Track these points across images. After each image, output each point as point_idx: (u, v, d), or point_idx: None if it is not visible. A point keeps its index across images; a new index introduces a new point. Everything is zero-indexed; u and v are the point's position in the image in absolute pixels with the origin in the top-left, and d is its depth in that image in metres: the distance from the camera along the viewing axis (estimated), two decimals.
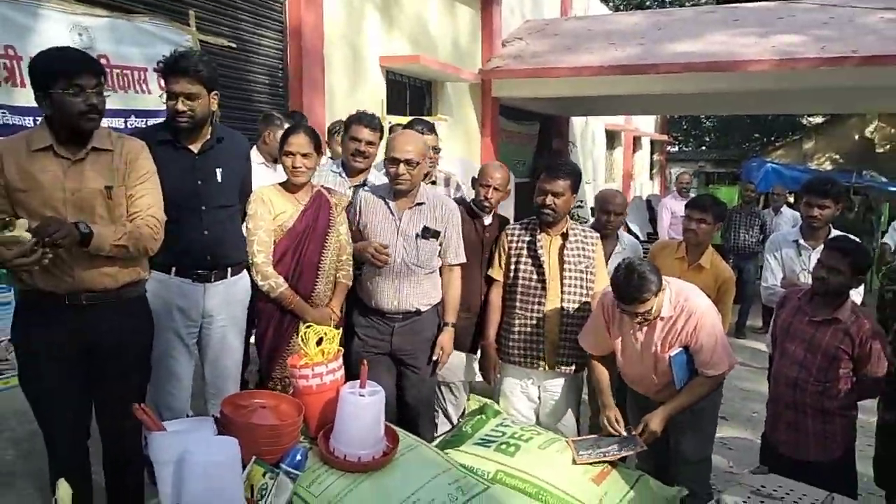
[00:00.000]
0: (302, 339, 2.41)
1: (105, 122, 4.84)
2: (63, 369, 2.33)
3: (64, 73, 2.19)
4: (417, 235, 3.05)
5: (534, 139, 12.41)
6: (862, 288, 3.28)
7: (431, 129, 3.94)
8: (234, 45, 6.20)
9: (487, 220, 3.47)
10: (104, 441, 2.53)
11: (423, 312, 3.13)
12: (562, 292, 3.18)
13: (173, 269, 2.72)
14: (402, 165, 2.94)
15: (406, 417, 3.20)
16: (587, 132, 14.76)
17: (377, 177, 3.45)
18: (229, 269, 2.85)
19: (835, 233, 3.57)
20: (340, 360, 2.43)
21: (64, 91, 2.18)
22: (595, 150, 15.41)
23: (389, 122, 4.68)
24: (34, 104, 2.32)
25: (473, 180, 3.55)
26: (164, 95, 2.68)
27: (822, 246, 3.17)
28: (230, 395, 2.42)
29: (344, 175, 3.42)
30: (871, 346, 2.74)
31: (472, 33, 9.94)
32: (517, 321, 3.23)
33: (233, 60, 6.21)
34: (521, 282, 3.22)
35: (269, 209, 2.95)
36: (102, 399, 2.45)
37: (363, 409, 2.21)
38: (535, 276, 3.20)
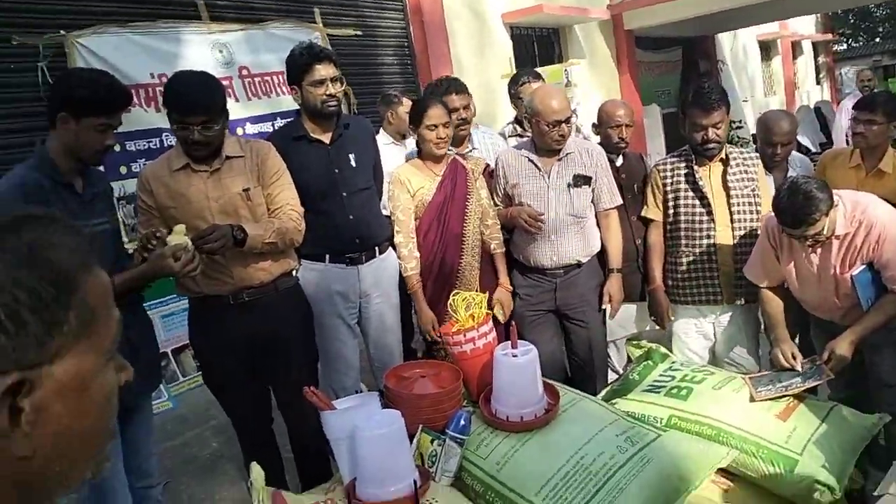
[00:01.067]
0: (451, 307, 2.44)
1: (253, 127, 5.20)
2: (237, 362, 2.56)
3: (174, 112, 2.37)
4: (569, 185, 2.99)
5: (677, 66, 11.67)
6: None
7: (538, 76, 3.91)
8: (359, 33, 6.37)
9: (619, 161, 3.31)
10: (287, 423, 2.74)
11: (583, 264, 3.07)
12: (731, 221, 2.97)
13: (327, 256, 2.86)
14: (563, 126, 2.92)
15: (579, 374, 3.17)
16: (737, 47, 13.60)
17: (484, 138, 3.42)
18: (377, 249, 2.95)
19: None
20: (491, 323, 2.45)
21: (177, 126, 2.38)
22: (749, 64, 14.18)
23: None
24: None
25: (594, 125, 3.40)
26: (302, 90, 2.75)
27: None
28: (393, 367, 2.51)
29: (451, 149, 3.39)
30: None
31: None
32: (685, 258, 3.06)
33: (360, 48, 6.38)
34: (683, 217, 3.04)
35: (407, 188, 3.00)
36: (277, 385, 2.66)
37: (518, 369, 2.20)
38: (699, 209, 3.00)
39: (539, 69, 5.81)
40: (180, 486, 3.41)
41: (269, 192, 2.54)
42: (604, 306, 3.10)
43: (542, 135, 2.98)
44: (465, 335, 2.36)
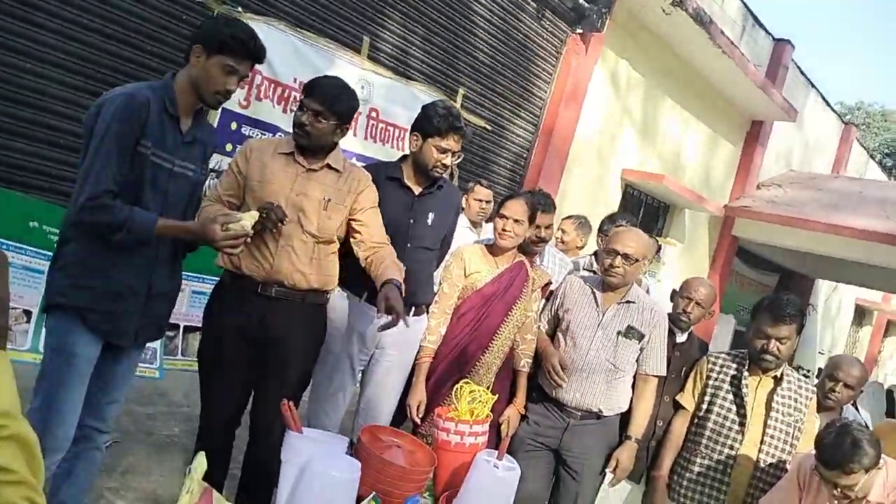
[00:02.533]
0: (455, 394, 2.36)
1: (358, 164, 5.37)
2: (239, 351, 2.52)
3: (303, 92, 2.53)
4: (619, 333, 2.90)
5: (768, 290, 11.48)
6: None
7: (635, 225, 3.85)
8: (489, 128, 6.58)
9: (681, 337, 3.20)
10: (251, 434, 2.65)
11: (602, 417, 2.93)
12: (761, 442, 2.80)
13: (365, 293, 2.84)
14: (619, 258, 2.86)
15: None
16: (833, 300, 13.35)
17: (554, 258, 3.46)
18: (413, 309, 2.91)
19: None
20: (486, 426, 2.34)
21: (298, 106, 2.53)
22: (838, 321, 13.85)
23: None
24: None
25: (673, 292, 3.32)
26: (424, 144, 2.81)
27: None
28: (372, 425, 2.41)
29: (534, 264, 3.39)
30: None
31: (727, 167, 9.60)
32: (699, 460, 2.89)
33: (484, 140, 6.58)
34: (714, 417, 2.89)
35: (464, 266, 2.99)
36: (260, 391, 2.59)
37: (494, 481, 2.08)
38: (732, 415, 2.86)
39: None
40: (125, 451, 3.32)
41: (362, 218, 2.61)
42: (608, 470, 2.93)
43: (601, 263, 2.96)
44: (456, 425, 2.26)
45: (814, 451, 2.36)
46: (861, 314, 14.82)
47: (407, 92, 5.82)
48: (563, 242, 4.30)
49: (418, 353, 2.93)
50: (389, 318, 2.28)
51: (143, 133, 2.04)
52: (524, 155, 7.04)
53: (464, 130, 2.81)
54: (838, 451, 2.22)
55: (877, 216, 8.76)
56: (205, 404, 2.64)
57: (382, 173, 2.87)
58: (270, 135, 4.86)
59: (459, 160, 2.91)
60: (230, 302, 2.54)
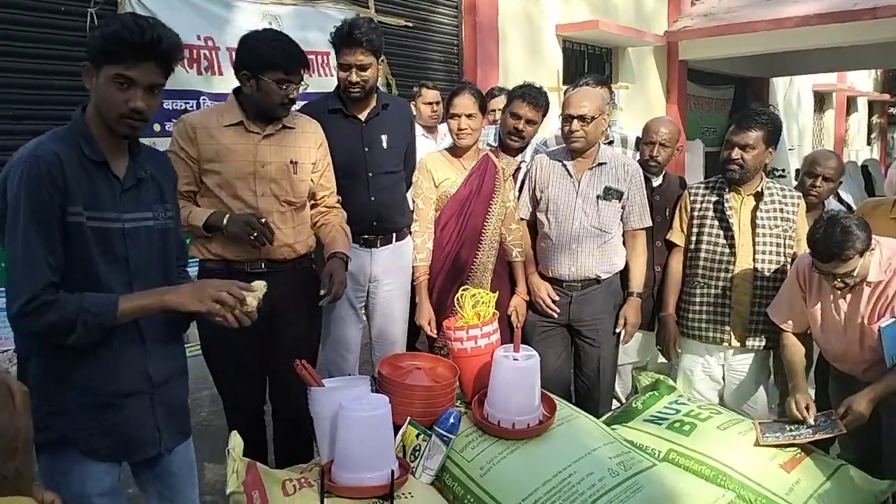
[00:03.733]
0: (457, 302, 2.37)
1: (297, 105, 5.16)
2: (243, 339, 2.42)
3: (282, 67, 2.32)
4: (599, 197, 2.89)
5: (727, 104, 11.48)
6: None
7: (603, 82, 3.70)
8: (410, 25, 6.32)
9: (657, 181, 3.20)
10: (274, 401, 2.68)
11: (602, 281, 2.96)
12: (753, 259, 2.84)
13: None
14: (575, 122, 2.81)
15: (583, 396, 3.06)
16: (791, 94, 13.37)
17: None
18: (394, 235, 2.89)
19: None
20: (496, 324, 2.36)
21: (275, 82, 2.32)
22: (801, 113, 13.93)
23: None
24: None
25: (637, 140, 3.29)
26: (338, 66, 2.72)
27: None
28: (389, 355, 2.43)
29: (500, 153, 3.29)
30: None
31: None
32: (699, 290, 2.94)
33: (409, 39, 6.34)
34: (705, 246, 2.92)
35: (431, 177, 2.94)
36: (273, 361, 2.57)
37: (517, 373, 2.12)
38: (722, 240, 2.89)
39: None
40: None
41: (319, 180, 2.57)
42: (618, 330, 3.00)
43: (562, 130, 2.91)
44: (467, 332, 2.28)
45: (808, 251, 2.41)
46: (821, 100, 14.90)
47: (317, 14, 5.53)
48: None
49: (413, 273, 2.92)
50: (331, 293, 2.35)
51: (67, 197, 1.55)
52: (454, 42, 6.81)
53: (362, 40, 2.62)
54: (830, 241, 2.26)
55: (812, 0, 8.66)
56: (226, 400, 2.64)
57: (323, 108, 2.77)
58: (194, 103, 4.65)
59: (372, 74, 2.74)
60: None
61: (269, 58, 2.30)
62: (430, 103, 4.49)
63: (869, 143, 17.98)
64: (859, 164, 10.59)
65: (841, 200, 3.68)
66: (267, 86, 2.31)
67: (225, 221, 2.33)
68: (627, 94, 8.20)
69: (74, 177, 1.57)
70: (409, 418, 2.06)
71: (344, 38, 2.65)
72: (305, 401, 2.06)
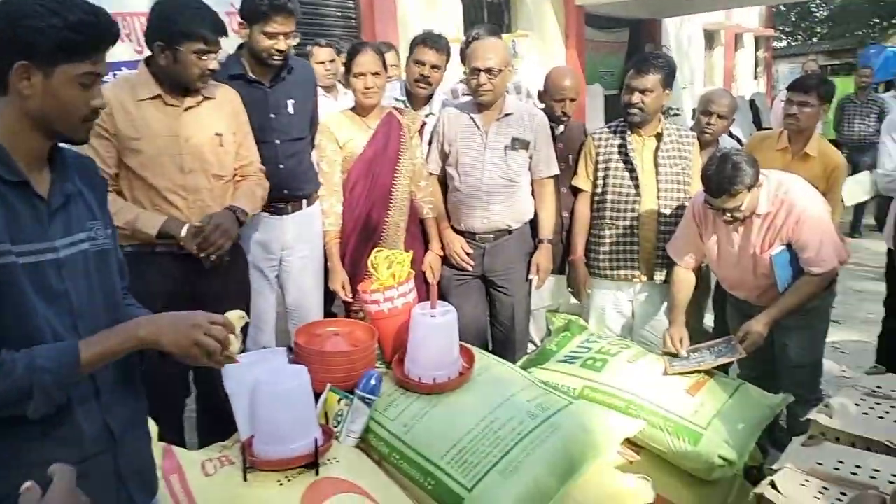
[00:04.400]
0: (371, 265, 2.36)
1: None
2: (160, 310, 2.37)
3: (201, 37, 2.19)
4: (506, 147, 2.92)
5: (623, 47, 11.71)
6: None
7: (496, 32, 3.70)
8: None
9: (559, 129, 3.26)
10: (196, 380, 2.61)
11: (514, 230, 3.02)
12: (658, 198, 2.96)
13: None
14: (483, 75, 2.81)
15: (499, 343, 3.15)
16: (682, 34, 13.75)
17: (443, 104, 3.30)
18: (304, 201, 2.84)
19: None
20: (412, 283, 2.37)
21: (194, 53, 2.19)
22: (692, 52, 14.38)
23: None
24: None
25: (540, 93, 3.33)
26: (253, 33, 2.58)
27: None
28: (304, 324, 2.41)
29: (408, 104, 3.28)
30: None
31: None
32: (608, 231, 3.04)
33: None
34: (611, 188, 3.01)
35: (335, 138, 2.88)
36: None
37: (435, 329, 2.15)
38: (627, 181, 2.98)
39: None
40: None
41: (240, 149, 2.47)
42: (531, 276, 3.07)
43: (469, 84, 2.92)
44: (383, 294, 2.29)
45: (702, 187, 2.53)
46: (710, 38, 15.40)
47: None
48: None
49: (324, 238, 2.89)
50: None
51: None
52: None
53: (289, 7, 2.54)
54: (721, 177, 2.38)
55: None
56: (148, 387, 2.52)
57: (222, 74, 2.63)
58: (112, 75, 4.32)
59: (297, 41, 2.67)
60: (150, 276, 2.25)
61: (186, 27, 2.17)
62: (323, 62, 4.35)
63: (756, 78, 18.82)
64: (747, 98, 11.08)
65: (731, 135, 3.86)
66: (185, 57, 2.19)
67: (184, 233, 2.23)
68: (527, 42, 8.24)
69: None
70: (328, 385, 2.06)
71: (275, 7, 2.52)
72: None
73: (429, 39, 3.13)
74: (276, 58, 2.61)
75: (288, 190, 2.77)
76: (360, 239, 2.93)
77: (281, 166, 2.72)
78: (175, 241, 2.25)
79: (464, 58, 3.84)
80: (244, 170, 2.53)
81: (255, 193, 2.49)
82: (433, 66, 3.12)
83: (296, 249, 2.86)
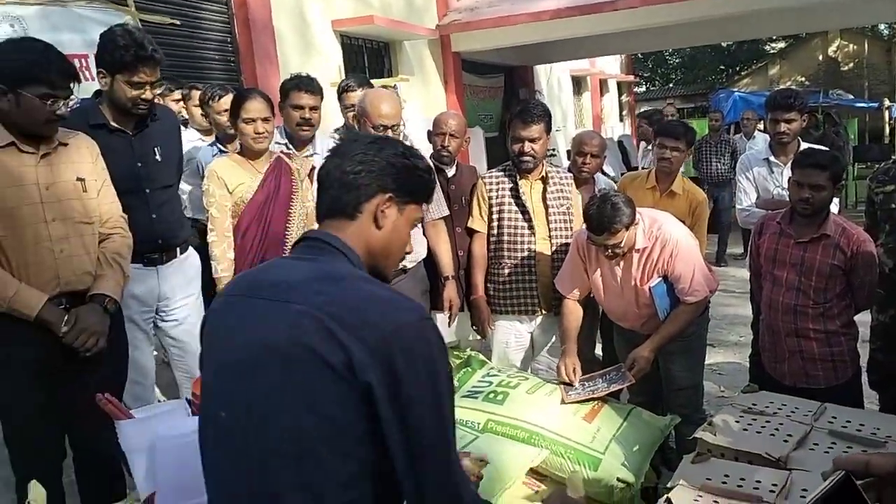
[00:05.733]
0: None
1: None
2: (43, 385, 2.24)
3: (46, 81, 2.06)
4: None
5: (500, 92, 12.23)
6: (836, 199, 3.21)
7: (364, 83, 3.81)
8: (177, 23, 5.96)
9: (451, 171, 3.37)
10: (74, 441, 2.45)
11: (409, 270, 3.06)
12: (549, 235, 3.13)
13: None
14: (389, 132, 2.85)
15: None
16: (552, 80, 14.57)
17: (326, 144, 3.32)
18: (178, 249, 2.79)
19: (805, 145, 3.48)
20: None
21: (39, 97, 2.07)
22: (562, 96, 15.24)
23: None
24: None
25: (429, 133, 3.44)
26: (115, 83, 2.48)
27: (793, 161, 3.09)
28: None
29: (291, 147, 3.27)
30: (863, 252, 2.62)
31: None
32: (506, 269, 3.16)
33: (178, 38, 5.99)
34: (507, 229, 3.14)
35: (224, 184, 2.84)
36: (81, 400, 2.32)
37: None
38: (521, 222, 3.13)
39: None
40: None
41: (98, 192, 2.34)
42: (444, 313, 3.13)
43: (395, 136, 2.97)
44: None
45: (584, 225, 2.70)
46: (578, 83, 16.38)
47: (69, 14, 5.01)
48: None
49: (216, 286, 2.81)
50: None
51: None
52: (228, 39, 6.54)
53: (156, 58, 2.48)
54: (602, 217, 2.56)
55: None
56: (19, 457, 2.32)
57: (82, 122, 2.49)
58: None
59: (163, 90, 2.62)
60: (16, 336, 2.14)
61: (28, 70, 2.06)
62: (199, 106, 4.23)
63: (621, 119, 20.16)
64: (615, 139, 11.81)
65: (604, 172, 4.14)
66: (29, 101, 2.07)
67: (64, 328, 2.15)
68: (409, 86, 8.43)
69: None
70: None
71: (136, 55, 2.43)
72: (112, 435, 1.91)
73: (302, 84, 3.16)
74: (141, 107, 2.55)
75: (162, 240, 2.70)
76: None
77: (154, 216, 2.66)
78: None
79: (341, 101, 3.91)
80: (108, 223, 2.40)
81: (120, 257, 2.38)
82: (311, 108, 3.18)
83: (174, 300, 2.79)
